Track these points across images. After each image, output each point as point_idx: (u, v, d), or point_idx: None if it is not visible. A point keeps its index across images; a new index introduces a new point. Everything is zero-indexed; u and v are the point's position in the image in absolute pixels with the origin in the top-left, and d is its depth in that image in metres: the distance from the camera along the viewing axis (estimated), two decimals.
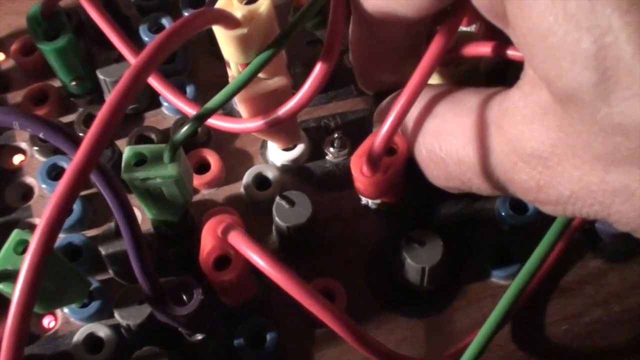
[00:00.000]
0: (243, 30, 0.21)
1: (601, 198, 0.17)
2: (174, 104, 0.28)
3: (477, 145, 0.21)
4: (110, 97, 0.17)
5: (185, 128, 0.24)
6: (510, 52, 0.25)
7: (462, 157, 0.22)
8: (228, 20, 0.21)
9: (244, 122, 0.27)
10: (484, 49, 0.26)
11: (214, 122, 0.27)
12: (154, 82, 0.28)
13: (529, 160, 0.19)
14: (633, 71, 0.15)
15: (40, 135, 0.20)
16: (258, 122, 0.26)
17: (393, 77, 0.27)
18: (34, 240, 0.17)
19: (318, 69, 0.23)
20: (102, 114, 0.17)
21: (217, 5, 0.22)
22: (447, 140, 0.23)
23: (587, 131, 0.16)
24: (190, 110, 0.28)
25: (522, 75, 0.19)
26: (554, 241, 0.24)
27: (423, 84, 0.24)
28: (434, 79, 0.29)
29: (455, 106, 0.23)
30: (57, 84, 0.34)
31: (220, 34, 0.22)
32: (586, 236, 0.30)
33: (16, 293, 0.18)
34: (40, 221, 0.17)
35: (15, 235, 0.24)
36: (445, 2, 0.22)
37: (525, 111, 0.19)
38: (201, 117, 0.25)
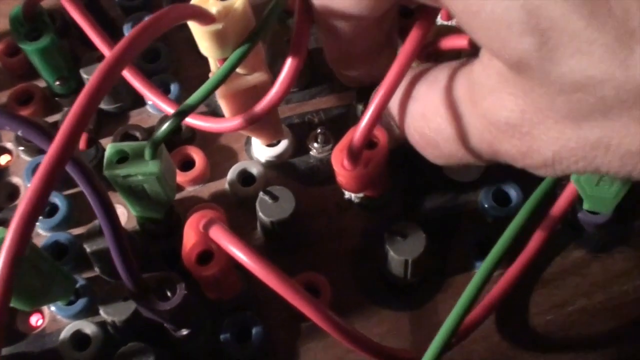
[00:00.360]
0: (218, 26, 0.22)
1: (583, 154, 0.17)
2: (154, 103, 0.28)
3: (459, 122, 0.21)
4: (83, 91, 0.17)
5: (165, 125, 0.25)
6: None
7: (450, 135, 0.22)
8: (202, 16, 0.21)
9: (223, 121, 0.27)
10: (461, 41, 0.26)
11: (195, 122, 0.27)
12: (134, 81, 0.28)
13: (505, 130, 0.19)
14: (568, 27, 0.15)
15: (18, 133, 0.21)
16: (236, 121, 0.26)
17: (371, 72, 0.27)
18: (9, 234, 0.17)
19: (288, 65, 0.23)
20: (74, 107, 0.17)
21: (193, 1, 0.22)
22: (433, 120, 0.23)
23: (547, 93, 0.16)
24: (170, 110, 0.28)
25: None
26: (522, 222, 0.25)
27: (399, 79, 0.24)
28: None
29: (432, 85, 0.23)
30: (42, 84, 0.34)
31: (196, 29, 0.22)
32: (569, 227, 0.30)
33: None
34: (15, 215, 0.17)
35: None
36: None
37: (489, 82, 0.19)
38: (181, 114, 0.25)
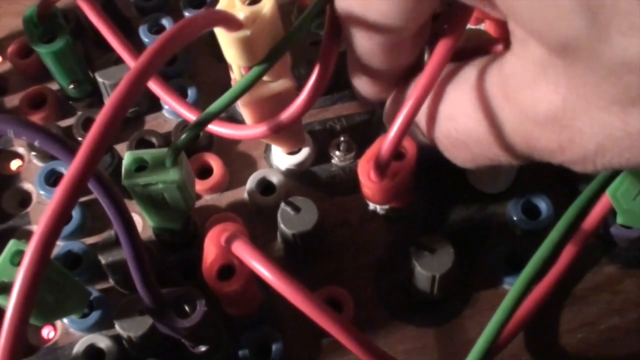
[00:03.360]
0: (246, 33, 0.21)
1: (629, 143, 0.16)
2: (174, 109, 0.27)
3: (491, 120, 0.20)
4: (107, 103, 0.16)
5: (187, 132, 0.24)
6: None
7: (481, 135, 0.21)
8: (230, 22, 0.20)
9: (245, 128, 0.26)
10: (497, 46, 0.25)
11: (215, 128, 0.26)
12: (154, 86, 0.27)
13: (544, 124, 0.18)
14: (621, 5, 0.14)
15: (35, 144, 0.20)
16: (260, 129, 0.25)
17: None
18: (28, 254, 0.16)
19: (316, 73, 0.22)
20: (99, 121, 0.16)
21: (219, 7, 0.21)
22: (461, 121, 0.22)
23: (594, 76, 0.15)
24: (191, 116, 0.27)
25: (511, 37, 0.18)
26: (558, 239, 0.24)
27: (430, 88, 0.23)
28: None
29: (459, 85, 0.22)
30: (55, 86, 0.33)
31: (222, 36, 0.21)
32: (601, 242, 0.29)
33: (10, 307, 0.17)
34: (35, 233, 0.16)
35: (11, 245, 0.24)
36: (431, 5, 0.21)
37: (526, 73, 0.18)
38: (203, 122, 0.24)
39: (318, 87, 0.23)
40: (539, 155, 0.20)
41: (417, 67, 0.25)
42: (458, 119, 0.22)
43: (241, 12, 0.21)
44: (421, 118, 0.24)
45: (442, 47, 0.23)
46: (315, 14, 0.22)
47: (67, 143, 0.19)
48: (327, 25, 0.22)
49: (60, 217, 0.16)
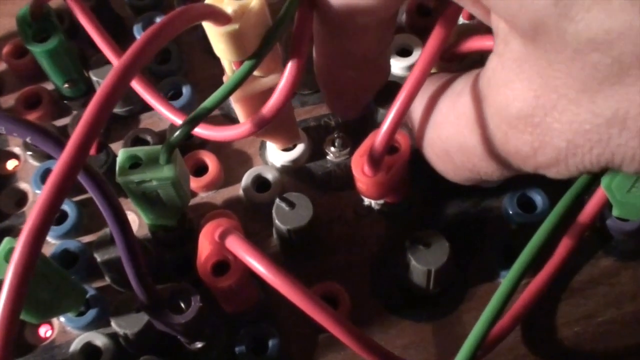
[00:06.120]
0: (234, 26, 0.21)
1: (597, 137, 0.16)
2: (162, 114, 0.27)
3: (472, 127, 0.20)
4: (94, 98, 0.16)
5: (181, 129, 0.24)
6: None
7: (462, 143, 0.21)
8: (218, 16, 0.20)
9: (230, 129, 0.25)
10: (488, 42, 0.25)
11: (200, 131, 0.25)
12: (141, 90, 0.27)
13: (517, 125, 0.18)
14: None
15: (27, 140, 0.20)
16: (244, 128, 0.24)
17: (365, 95, 0.27)
18: (19, 246, 0.16)
19: (290, 62, 0.22)
20: (86, 115, 0.16)
21: (207, 1, 0.21)
22: (445, 129, 0.22)
23: (563, 60, 0.16)
24: (177, 120, 0.27)
25: (495, 37, 0.19)
26: (551, 227, 0.23)
27: (423, 78, 0.23)
28: None
29: (447, 95, 0.22)
30: (50, 86, 0.33)
31: (211, 30, 0.21)
32: (597, 235, 0.29)
33: (1, 301, 0.17)
34: (25, 225, 0.16)
35: (5, 243, 0.24)
36: None
37: (504, 72, 0.18)
38: (196, 118, 0.24)
39: (294, 77, 0.23)
40: (516, 163, 0.19)
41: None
42: (443, 127, 0.22)
43: (229, 6, 0.21)
44: (414, 127, 0.24)
45: (433, 40, 0.23)
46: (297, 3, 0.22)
47: (59, 138, 0.19)
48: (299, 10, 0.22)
49: (50, 209, 0.16)
